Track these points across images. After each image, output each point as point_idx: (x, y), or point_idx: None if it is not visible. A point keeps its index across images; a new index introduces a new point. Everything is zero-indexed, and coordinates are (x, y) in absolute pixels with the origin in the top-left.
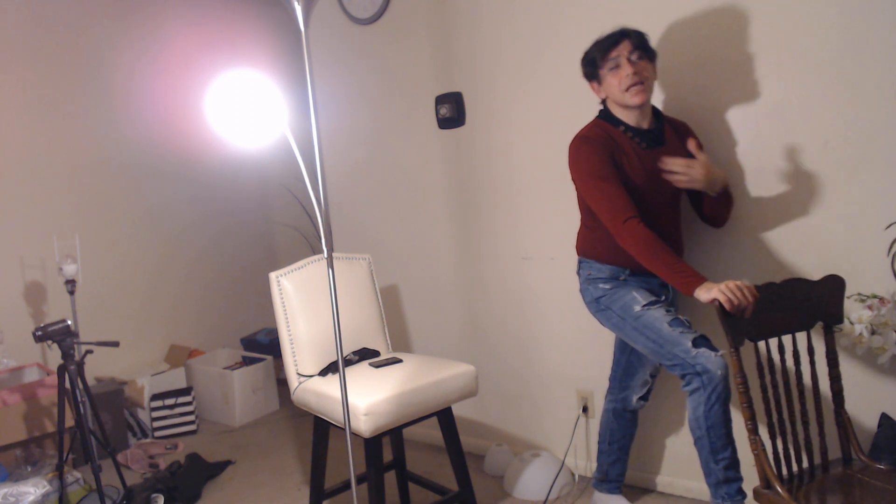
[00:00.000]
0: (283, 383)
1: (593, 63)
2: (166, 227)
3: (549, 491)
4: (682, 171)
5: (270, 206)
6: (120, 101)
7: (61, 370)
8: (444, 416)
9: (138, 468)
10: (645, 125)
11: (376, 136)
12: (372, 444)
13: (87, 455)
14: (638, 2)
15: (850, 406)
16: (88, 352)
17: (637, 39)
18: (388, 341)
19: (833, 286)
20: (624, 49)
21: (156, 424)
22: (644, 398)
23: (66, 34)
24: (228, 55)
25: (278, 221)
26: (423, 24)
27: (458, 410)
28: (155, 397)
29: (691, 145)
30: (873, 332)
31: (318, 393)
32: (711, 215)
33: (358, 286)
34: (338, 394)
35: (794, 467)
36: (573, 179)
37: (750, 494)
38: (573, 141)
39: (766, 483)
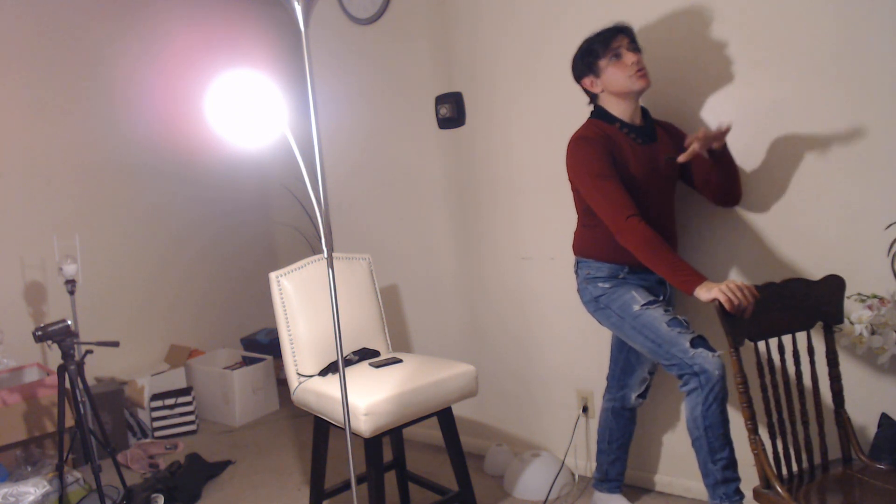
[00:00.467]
0: (283, 383)
1: (594, 54)
2: (166, 227)
3: (549, 491)
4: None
5: (270, 206)
6: (120, 101)
7: (61, 370)
8: (444, 416)
9: (138, 468)
10: (637, 121)
11: (376, 136)
12: (372, 444)
13: (87, 455)
14: (639, 2)
15: (850, 406)
16: (88, 352)
17: (630, 34)
18: (388, 341)
19: (833, 286)
20: (622, 41)
21: (156, 424)
22: (642, 396)
23: (66, 34)
24: (228, 55)
25: (278, 221)
26: (423, 24)
27: (458, 410)
28: (155, 397)
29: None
30: (873, 332)
31: (318, 393)
32: (724, 186)
33: (358, 286)
34: (338, 394)
35: (794, 467)
36: (571, 179)
37: (750, 494)
38: (571, 141)
39: (766, 483)
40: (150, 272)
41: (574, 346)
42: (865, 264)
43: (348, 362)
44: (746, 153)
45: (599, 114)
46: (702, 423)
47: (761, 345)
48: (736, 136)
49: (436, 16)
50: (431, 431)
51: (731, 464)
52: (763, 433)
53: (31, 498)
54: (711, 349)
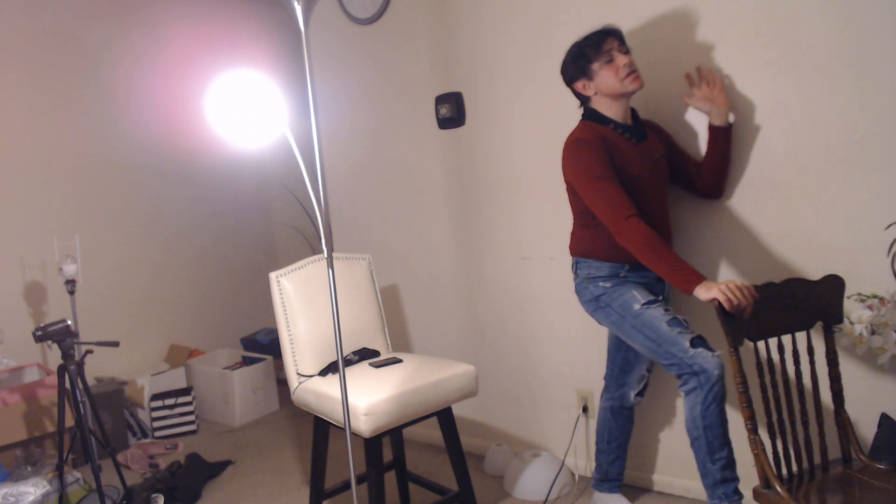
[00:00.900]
0: (283, 383)
1: (586, 58)
2: (166, 227)
3: (549, 491)
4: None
5: (270, 206)
6: (120, 102)
7: (61, 370)
8: (444, 416)
9: (138, 468)
10: (629, 121)
11: (376, 136)
12: (372, 444)
13: (87, 455)
14: (638, 1)
15: (850, 406)
16: (88, 352)
17: (620, 36)
18: (388, 341)
19: (833, 286)
20: (613, 44)
21: (156, 424)
22: (640, 394)
23: (66, 34)
24: (228, 55)
25: (278, 221)
26: (423, 24)
27: (458, 410)
28: (155, 397)
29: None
30: (873, 332)
31: (318, 393)
32: (715, 172)
33: (358, 286)
34: (338, 394)
35: (794, 467)
36: (567, 181)
37: (750, 494)
38: (567, 143)
39: (765, 483)
40: (150, 272)
41: (574, 346)
42: (865, 264)
43: (348, 362)
44: (746, 153)
45: (592, 115)
46: (701, 423)
47: (761, 345)
48: (736, 137)
49: (436, 16)
50: (431, 431)
51: (730, 464)
52: (763, 433)
53: (31, 498)
54: (711, 349)
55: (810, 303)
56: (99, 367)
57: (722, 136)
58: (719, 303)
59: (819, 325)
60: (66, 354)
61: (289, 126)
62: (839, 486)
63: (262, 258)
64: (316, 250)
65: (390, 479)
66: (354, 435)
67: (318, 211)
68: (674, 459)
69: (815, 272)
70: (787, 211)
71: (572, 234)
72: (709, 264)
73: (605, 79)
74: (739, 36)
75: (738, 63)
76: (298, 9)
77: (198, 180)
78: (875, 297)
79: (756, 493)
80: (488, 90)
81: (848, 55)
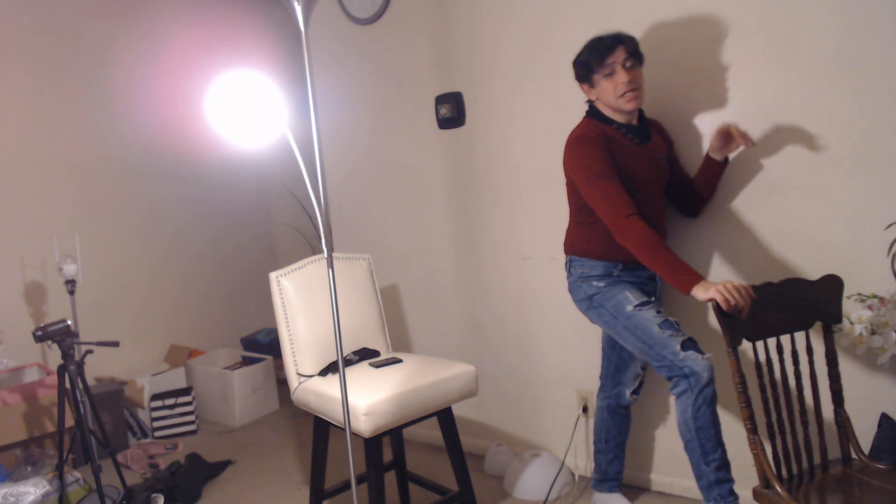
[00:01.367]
0: (283, 383)
1: (588, 67)
2: (166, 227)
3: (549, 491)
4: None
5: (270, 206)
6: (120, 101)
7: (61, 370)
8: (444, 416)
9: (138, 468)
10: (634, 122)
11: (376, 136)
12: (372, 444)
13: (87, 455)
14: (638, 1)
15: (850, 406)
16: (88, 352)
17: (631, 46)
18: (388, 341)
19: (831, 286)
20: (619, 55)
21: (156, 424)
22: (636, 392)
23: (66, 34)
24: (228, 55)
25: (278, 221)
26: (423, 24)
27: (458, 410)
28: (155, 397)
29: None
30: (873, 332)
31: (318, 393)
32: (705, 194)
33: (358, 286)
34: (338, 394)
35: (794, 467)
36: (569, 177)
37: (749, 494)
38: (569, 140)
39: (765, 483)
40: (150, 272)
41: (574, 346)
42: (865, 264)
43: (348, 362)
44: (746, 153)
45: (596, 113)
46: (693, 425)
47: (760, 345)
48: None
49: (436, 16)
50: (431, 431)
51: (724, 465)
52: (762, 433)
53: (31, 498)
54: (701, 352)
55: (809, 303)
56: (99, 367)
57: (717, 168)
58: (717, 303)
59: (818, 325)
60: (66, 354)
61: (289, 126)
62: (839, 486)
63: (262, 258)
64: (316, 250)
65: (390, 479)
66: (354, 435)
67: (318, 211)
68: (673, 459)
69: (814, 272)
70: (786, 211)
71: (567, 231)
72: (708, 264)
73: (604, 91)
74: (739, 36)
75: (738, 63)
76: (298, 9)
77: (198, 180)
78: (875, 297)
79: (756, 493)
80: (488, 90)
81: (848, 55)
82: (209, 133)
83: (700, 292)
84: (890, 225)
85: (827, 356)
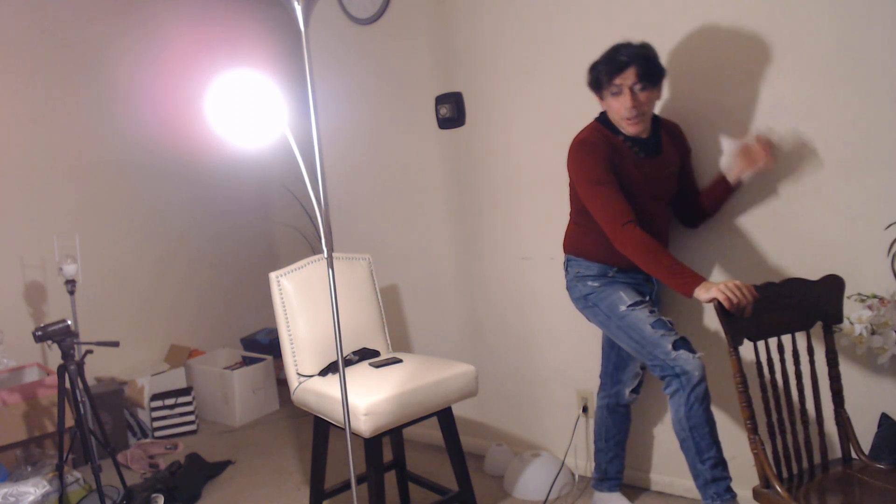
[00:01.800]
0: (283, 383)
1: (598, 82)
2: (166, 227)
3: (549, 491)
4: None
5: (270, 206)
6: (120, 102)
7: (61, 370)
8: (444, 416)
9: (138, 468)
10: (644, 135)
11: (376, 136)
12: (372, 444)
13: (87, 455)
14: (638, 2)
15: (850, 406)
16: (88, 352)
17: (643, 68)
18: (388, 341)
19: (832, 286)
20: (629, 77)
21: (156, 424)
22: (636, 391)
23: (66, 34)
24: (228, 55)
25: (278, 221)
26: (423, 24)
27: (458, 410)
28: (155, 397)
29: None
30: (873, 332)
31: (318, 393)
32: (712, 210)
33: (358, 286)
34: (338, 394)
35: (794, 467)
36: (571, 179)
37: (750, 494)
38: (573, 143)
39: (765, 483)
40: (150, 272)
41: (574, 346)
42: (865, 264)
43: (348, 362)
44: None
45: (606, 121)
46: (686, 424)
47: (761, 345)
48: (736, 136)
49: (436, 16)
50: (431, 431)
51: (720, 463)
52: (763, 433)
53: (31, 498)
54: (692, 351)
55: (810, 303)
56: (99, 367)
57: (727, 190)
58: (719, 302)
59: (819, 325)
60: (66, 354)
61: (289, 126)
62: (839, 485)
63: (262, 258)
64: (316, 250)
65: (390, 479)
66: (354, 435)
67: (318, 211)
68: (673, 459)
69: (815, 272)
70: (786, 211)
71: (567, 230)
72: (708, 264)
73: (610, 108)
74: (739, 36)
75: (738, 63)
76: (298, 9)
77: (198, 180)
78: (875, 297)
79: (756, 493)
80: (488, 90)
81: (848, 55)
82: (209, 133)
83: (702, 293)
84: (890, 225)
85: (827, 356)
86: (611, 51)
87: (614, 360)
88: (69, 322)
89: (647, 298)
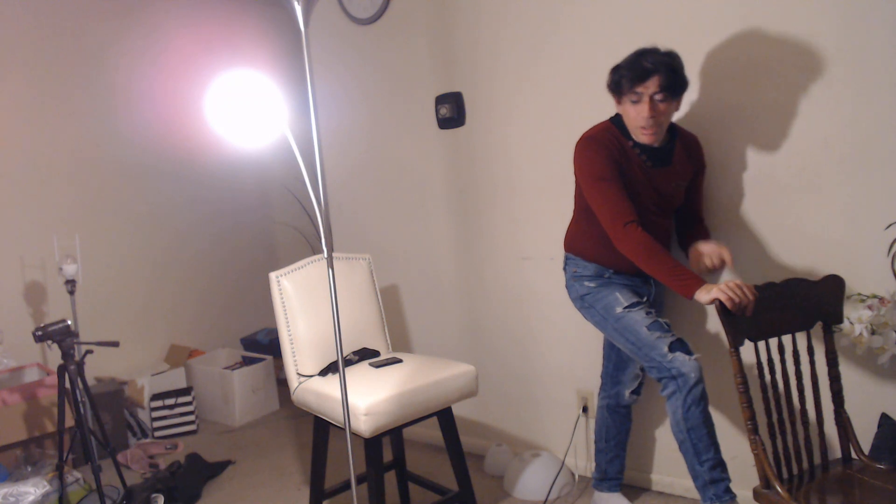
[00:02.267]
0: (283, 383)
1: (619, 86)
2: (166, 227)
3: (549, 491)
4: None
5: (270, 206)
6: (120, 101)
7: (61, 370)
8: (444, 416)
9: (138, 468)
10: (657, 143)
11: (376, 136)
12: (372, 444)
13: (87, 455)
14: (639, 2)
15: (850, 406)
16: (88, 352)
17: (668, 78)
18: (388, 341)
19: (833, 286)
20: (651, 87)
21: (156, 424)
22: (636, 392)
23: (66, 34)
24: (228, 55)
25: (278, 221)
26: (423, 24)
27: (458, 410)
28: (155, 397)
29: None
30: (873, 332)
31: (318, 393)
32: (699, 237)
33: (358, 286)
34: (338, 394)
35: (794, 467)
36: (576, 176)
37: (750, 494)
38: (580, 139)
39: (766, 483)
40: (150, 272)
41: (574, 346)
42: (865, 264)
43: (348, 362)
44: (746, 153)
45: (619, 124)
46: (684, 425)
47: (761, 345)
48: (737, 136)
49: (436, 16)
50: (431, 431)
51: (719, 464)
52: (763, 433)
53: (31, 498)
54: (689, 352)
55: (810, 303)
56: (99, 367)
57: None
58: (721, 303)
59: (819, 325)
60: (66, 354)
61: (289, 126)
62: (839, 486)
63: (262, 258)
64: (316, 250)
65: (390, 479)
66: (354, 435)
67: (318, 211)
68: (673, 459)
69: (815, 272)
70: (787, 211)
71: (568, 228)
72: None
73: (627, 114)
74: (739, 36)
75: (738, 63)
76: (298, 9)
77: (198, 180)
78: (875, 297)
79: (756, 493)
80: (488, 90)
81: (848, 55)
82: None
83: (703, 295)
84: (890, 225)
85: (827, 356)
86: (635, 55)
87: (615, 361)
88: (69, 322)
89: (645, 300)
